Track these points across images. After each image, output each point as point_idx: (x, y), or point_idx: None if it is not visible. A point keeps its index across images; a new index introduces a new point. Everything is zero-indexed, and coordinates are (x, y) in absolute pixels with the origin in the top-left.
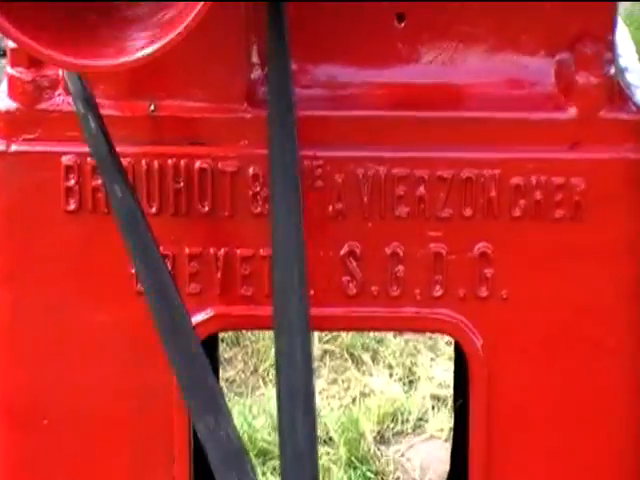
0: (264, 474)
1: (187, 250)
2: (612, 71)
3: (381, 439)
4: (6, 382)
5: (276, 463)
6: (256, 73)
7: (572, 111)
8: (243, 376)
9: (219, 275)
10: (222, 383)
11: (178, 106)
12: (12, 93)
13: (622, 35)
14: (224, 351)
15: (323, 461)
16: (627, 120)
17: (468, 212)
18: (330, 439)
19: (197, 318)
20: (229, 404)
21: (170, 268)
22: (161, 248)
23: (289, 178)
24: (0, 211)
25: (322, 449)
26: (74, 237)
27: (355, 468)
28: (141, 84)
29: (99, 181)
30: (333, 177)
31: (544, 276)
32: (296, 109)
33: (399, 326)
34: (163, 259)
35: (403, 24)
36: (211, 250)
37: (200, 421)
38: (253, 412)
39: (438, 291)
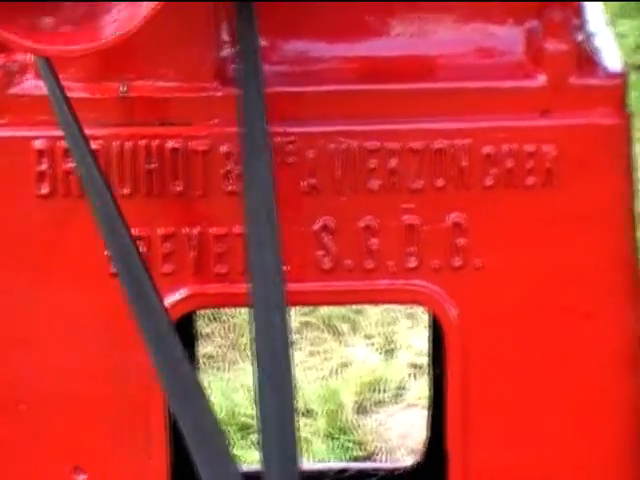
0: (244, 448)
1: (160, 230)
2: (581, 37)
3: (361, 409)
4: None
5: (256, 437)
6: (226, 51)
7: (542, 78)
8: (222, 351)
9: (193, 254)
10: (201, 359)
11: (149, 86)
12: None
13: None
14: (202, 327)
15: (303, 433)
16: (597, 86)
17: (440, 183)
18: (309, 411)
19: (172, 298)
20: (208, 379)
21: (144, 249)
22: (135, 229)
23: (260, 155)
24: None
25: (302, 421)
26: (47, 221)
27: (335, 439)
28: (111, 65)
29: (71, 164)
30: (305, 152)
31: (518, 244)
32: (266, 86)
33: (375, 299)
34: (133, 240)
35: None
36: (185, 230)
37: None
38: (232, 387)
39: (412, 262)
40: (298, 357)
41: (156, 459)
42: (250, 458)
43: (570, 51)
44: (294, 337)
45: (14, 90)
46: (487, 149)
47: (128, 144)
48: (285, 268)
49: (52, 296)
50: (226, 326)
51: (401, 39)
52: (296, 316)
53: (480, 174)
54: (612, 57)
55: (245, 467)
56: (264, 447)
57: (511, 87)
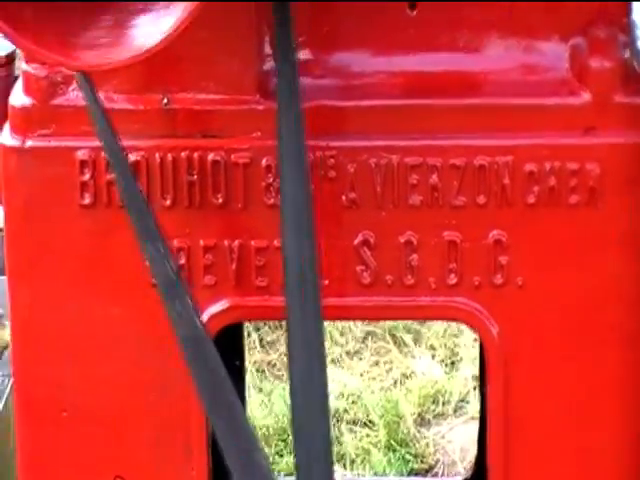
0: None
1: (202, 242)
2: (627, 54)
3: (421, 421)
4: (24, 376)
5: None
6: (268, 65)
7: (586, 96)
8: (285, 359)
9: (234, 266)
10: (265, 366)
11: (190, 99)
12: (27, 89)
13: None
14: (266, 334)
15: (363, 443)
16: None
17: (482, 200)
18: (370, 422)
19: (213, 309)
20: (269, 387)
21: (185, 260)
22: (176, 240)
23: (298, 170)
24: (17, 206)
25: (362, 431)
26: (89, 231)
27: (395, 451)
28: (154, 78)
29: (113, 175)
30: (346, 167)
31: (559, 263)
32: (303, 100)
33: (415, 315)
34: (169, 250)
35: (415, 11)
36: (225, 242)
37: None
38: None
39: (453, 279)
40: (361, 367)
41: (197, 470)
42: None
43: (615, 69)
44: (358, 346)
45: (58, 101)
46: (529, 166)
47: (170, 156)
48: (325, 282)
49: (95, 305)
50: None
51: (444, 54)
52: (360, 325)
53: (522, 192)
54: None
55: None
56: (298, 466)
57: (554, 104)
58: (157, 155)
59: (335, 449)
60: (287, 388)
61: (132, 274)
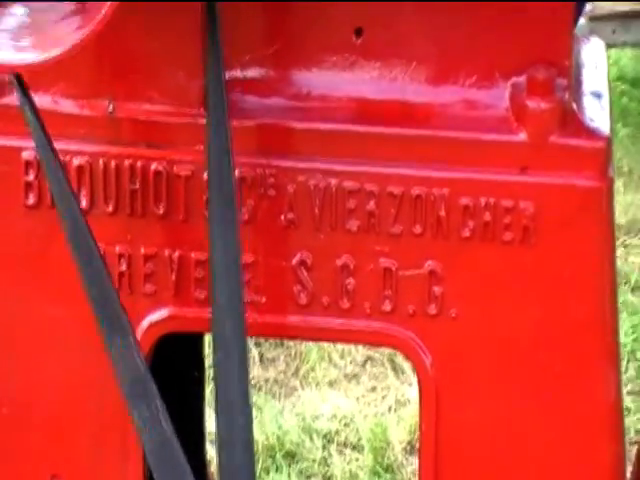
0: (289, 476)
1: (143, 250)
2: (566, 97)
3: (411, 449)
4: None
5: (303, 466)
6: None
7: (522, 135)
8: (282, 377)
9: (174, 277)
10: (262, 383)
11: (136, 108)
12: None
13: (594, 58)
14: (267, 351)
15: (351, 466)
16: (578, 147)
17: (418, 229)
18: (360, 445)
19: (152, 318)
20: (262, 403)
21: (127, 267)
22: (118, 247)
23: (225, 187)
24: None
25: (352, 455)
26: (33, 231)
27: (379, 476)
28: (101, 84)
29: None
30: (286, 187)
31: (494, 297)
32: (248, 118)
33: (350, 339)
34: (101, 256)
35: (360, 39)
36: (166, 252)
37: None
38: (285, 413)
39: (387, 306)
40: (358, 391)
41: (133, 473)
42: None
43: (551, 110)
44: (357, 370)
45: (4, 100)
46: (465, 200)
47: (113, 163)
48: (262, 299)
49: (37, 305)
50: (291, 352)
51: (388, 83)
52: (361, 350)
53: (457, 225)
54: (599, 119)
55: None
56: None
57: (492, 140)
58: (101, 161)
59: (323, 470)
60: (278, 406)
61: (74, 275)
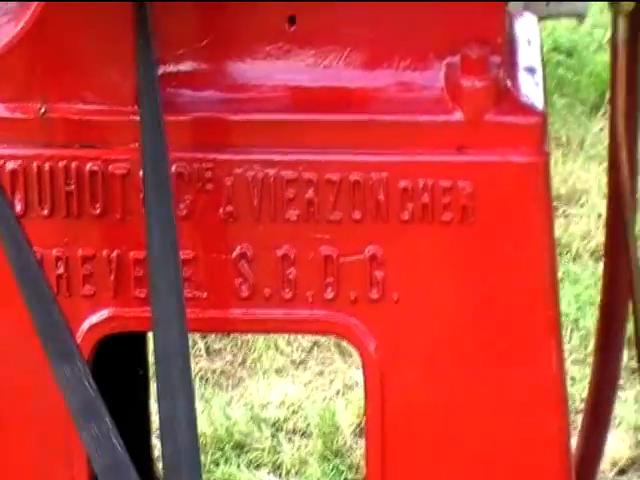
0: (239, 466)
1: (80, 252)
2: (500, 74)
3: (360, 432)
4: None
5: (252, 455)
6: None
7: (458, 115)
8: (229, 368)
9: (112, 277)
10: (209, 375)
11: (69, 108)
12: None
13: (527, 34)
14: (213, 342)
15: (300, 453)
16: (513, 124)
17: (357, 215)
18: (307, 432)
19: (92, 319)
20: (210, 395)
21: (64, 269)
22: (55, 250)
23: (161, 183)
24: None
25: (300, 441)
26: None
27: (329, 461)
28: (32, 86)
29: None
30: (223, 180)
31: (435, 279)
32: (182, 112)
33: (294, 329)
34: (36, 260)
35: (293, 27)
36: (104, 252)
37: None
38: (234, 404)
39: (330, 293)
40: (306, 377)
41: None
42: (245, 477)
43: (486, 88)
44: (303, 356)
45: None
46: (403, 183)
47: (47, 165)
48: (204, 295)
49: None
50: (237, 342)
51: (322, 70)
52: (306, 336)
53: (397, 208)
54: (533, 95)
55: None
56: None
57: (428, 121)
58: (35, 164)
59: (272, 459)
60: (226, 397)
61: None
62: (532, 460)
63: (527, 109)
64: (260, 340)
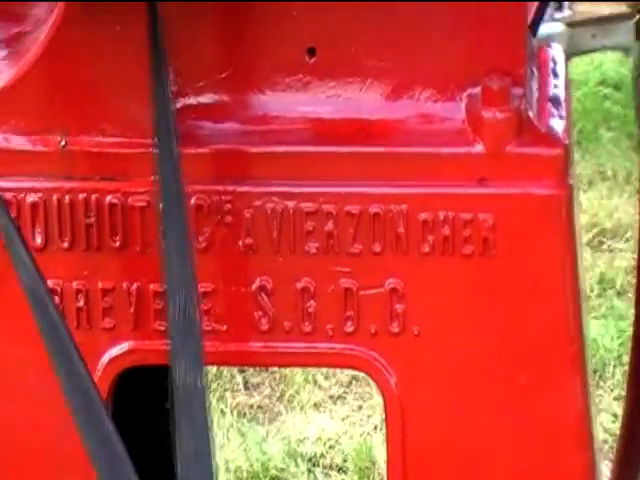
0: None
1: (100, 284)
2: (522, 106)
3: None
4: None
5: None
6: None
7: (479, 147)
8: (268, 402)
9: (132, 310)
10: (246, 409)
11: (89, 141)
12: None
13: (553, 65)
14: (252, 376)
15: None
16: (535, 155)
17: (377, 248)
18: (346, 467)
19: (112, 352)
20: (246, 430)
21: (84, 302)
22: (74, 283)
23: (176, 215)
24: None
25: (336, 477)
26: None
27: None
28: (52, 118)
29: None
30: (242, 212)
31: (456, 312)
32: (201, 145)
33: (314, 362)
34: (51, 296)
35: (313, 59)
36: (124, 285)
37: None
38: (270, 439)
39: (350, 327)
40: (343, 412)
41: None
42: None
43: (508, 119)
44: (341, 391)
45: None
46: (423, 215)
47: (67, 198)
48: (223, 328)
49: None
50: (277, 376)
51: (342, 102)
52: (345, 371)
53: (417, 240)
54: (557, 127)
55: None
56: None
57: (448, 154)
58: (54, 197)
59: None
60: (263, 431)
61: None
62: None
63: (549, 141)
64: (298, 374)
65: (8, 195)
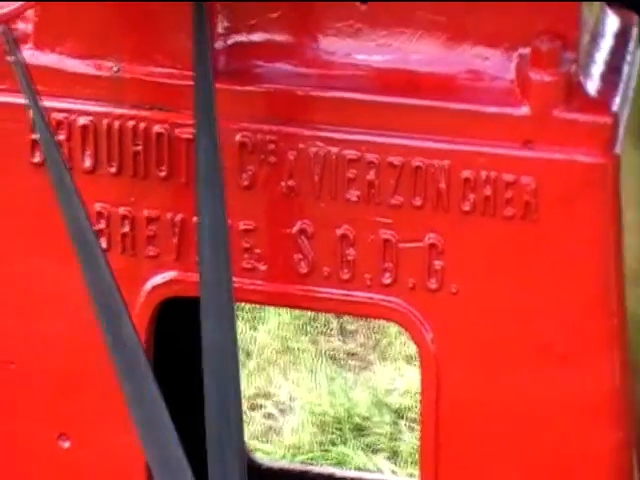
0: (355, 449)
1: (146, 212)
2: (572, 70)
3: None
4: None
5: (370, 440)
6: (219, 44)
7: (525, 108)
8: (361, 350)
9: (175, 240)
10: (340, 355)
11: (141, 69)
12: None
13: (620, 31)
14: (348, 323)
15: None
16: (582, 122)
17: (418, 201)
18: None
19: (155, 281)
20: (336, 376)
21: (130, 229)
22: (121, 209)
23: (209, 151)
24: None
25: None
26: (40, 189)
27: None
28: (107, 44)
29: (62, 136)
30: (286, 154)
31: (495, 273)
32: (250, 83)
33: (351, 310)
34: (90, 222)
35: (366, 6)
36: (168, 215)
37: None
38: (358, 387)
39: (387, 278)
40: None
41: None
42: (361, 461)
43: (555, 83)
44: None
45: (12, 58)
46: (465, 173)
47: (117, 124)
48: (262, 267)
49: (43, 263)
50: (372, 325)
51: (391, 51)
52: None
53: (458, 198)
54: (609, 94)
55: (355, 471)
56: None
57: (494, 113)
58: (104, 122)
59: (390, 445)
60: (352, 379)
61: None
62: (584, 472)
63: (598, 108)
64: (392, 325)
65: (60, 116)
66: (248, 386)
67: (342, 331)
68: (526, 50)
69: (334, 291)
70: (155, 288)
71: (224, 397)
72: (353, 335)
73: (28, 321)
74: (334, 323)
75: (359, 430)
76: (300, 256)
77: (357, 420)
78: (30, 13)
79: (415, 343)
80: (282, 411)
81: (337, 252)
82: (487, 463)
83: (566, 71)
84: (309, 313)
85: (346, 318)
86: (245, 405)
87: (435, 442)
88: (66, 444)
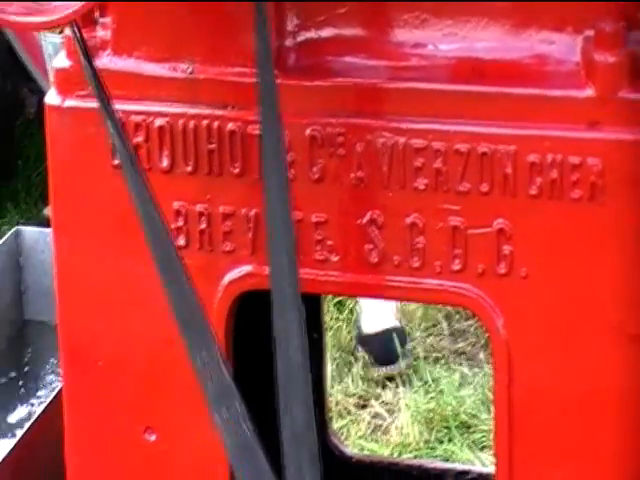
0: (462, 445)
1: (221, 209)
2: (637, 50)
3: None
4: (66, 325)
5: (476, 437)
6: (289, 41)
7: (590, 90)
8: (472, 349)
9: (250, 235)
10: (449, 354)
11: (213, 69)
12: (68, 52)
13: None
14: (457, 322)
15: None
16: None
17: (485, 187)
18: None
19: (231, 275)
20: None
21: (207, 225)
22: (197, 206)
23: (275, 145)
24: (58, 162)
25: None
26: (121, 190)
27: None
28: (181, 47)
29: (140, 138)
30: (354, 145)
31: (563, 256)
32: (319, 77)
33: (422, 297)
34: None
35: None
36: (243, 210)
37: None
38: (466, 384)
39: (457, 265)
40: None
41: None
42: (467, 457)
43: (620, 64)
44: None
45: (95, 64)
46: (532, 157)
47: (192, 123)
48: (334, 258)
49: (127, 261)
50: (481, 325)
51: (457, 40)
52: None
53: (525, 182)
54: None
55: (460, 466)
56: (284, 455)
57: (559, 96)
58: (180, 122)
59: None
60: (460, 376)
61: None
62: None
63: None
64: None
65: (138, 118)
66: (355, 386)
67: (452, 330)
68: (591, 32)
69: (405, 279)
70: (232, 282)
71: (292, 385)
72: (463, 334)
73: (115, 319)
74: (444, 323)
75: (466, 427)
76: (371, 246)
77: (463, 417)
78: (108, 20)
79: (486, 328)
80: (390, 411)
81: (407, 241)
82: (559, 446)
83: (631, 52)
84: (419, 313)
85: (456, 318)
86: (351, 403)
87: (509, 426)
88: (152, 437)
